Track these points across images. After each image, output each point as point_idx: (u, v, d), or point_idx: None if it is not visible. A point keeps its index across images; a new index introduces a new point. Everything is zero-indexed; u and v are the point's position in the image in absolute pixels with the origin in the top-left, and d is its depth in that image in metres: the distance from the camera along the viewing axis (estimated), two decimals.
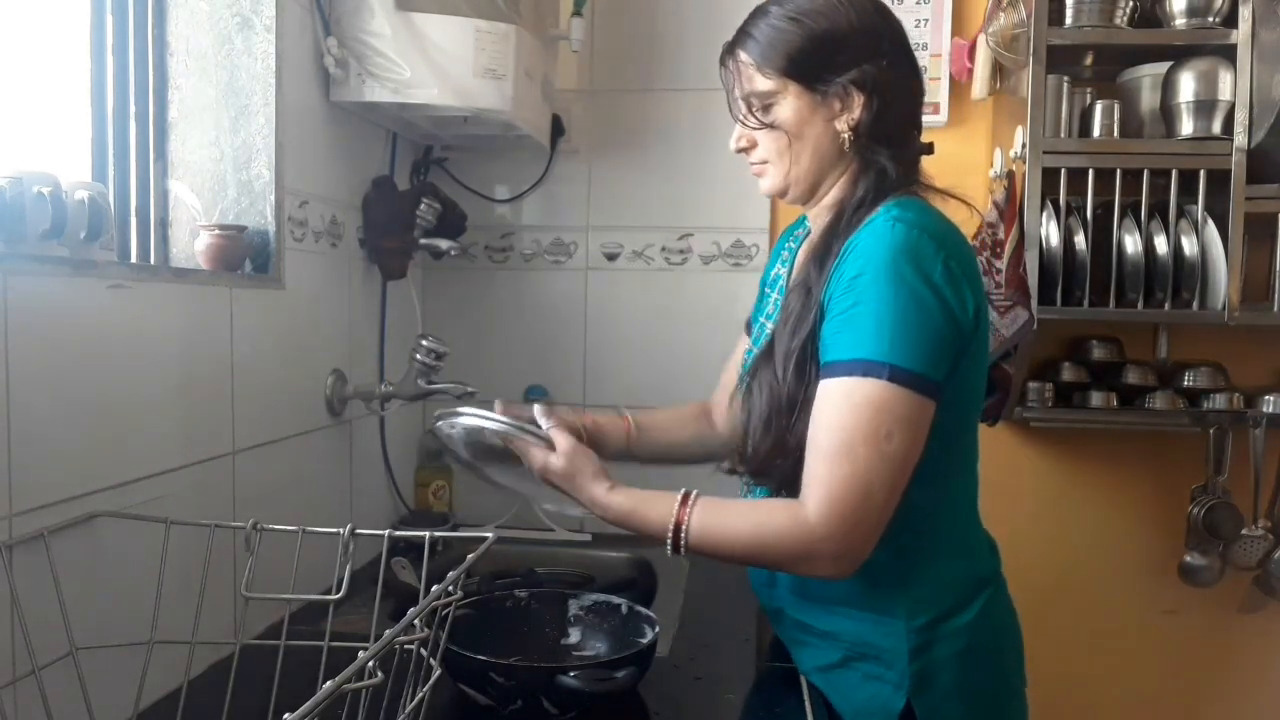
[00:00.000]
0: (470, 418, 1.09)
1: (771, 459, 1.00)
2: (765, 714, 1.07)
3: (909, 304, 0.93)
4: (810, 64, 1.02)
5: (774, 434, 1.00)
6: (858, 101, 1.02)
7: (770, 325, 1.13)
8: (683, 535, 0.98)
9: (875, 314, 0.93)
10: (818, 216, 1.09)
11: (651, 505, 1.00)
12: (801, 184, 1.07)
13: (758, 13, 1.06)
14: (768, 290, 1.23)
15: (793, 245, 1.22)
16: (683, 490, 1.00)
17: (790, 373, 0.99)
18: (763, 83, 1.04)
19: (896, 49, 1.04)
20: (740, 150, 1.11)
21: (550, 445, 1.06)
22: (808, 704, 1.07)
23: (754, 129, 1.07)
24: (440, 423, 1.12)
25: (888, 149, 1.04)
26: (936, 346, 0.94)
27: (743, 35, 1.07)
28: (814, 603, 1.08)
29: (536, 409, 1.10)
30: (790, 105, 1.03)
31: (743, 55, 1.06)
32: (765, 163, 1.08)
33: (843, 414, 0.93)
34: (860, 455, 0.91)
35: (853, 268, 0.96)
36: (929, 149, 1.11)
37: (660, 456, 1.32)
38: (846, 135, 1.03)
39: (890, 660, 1.02)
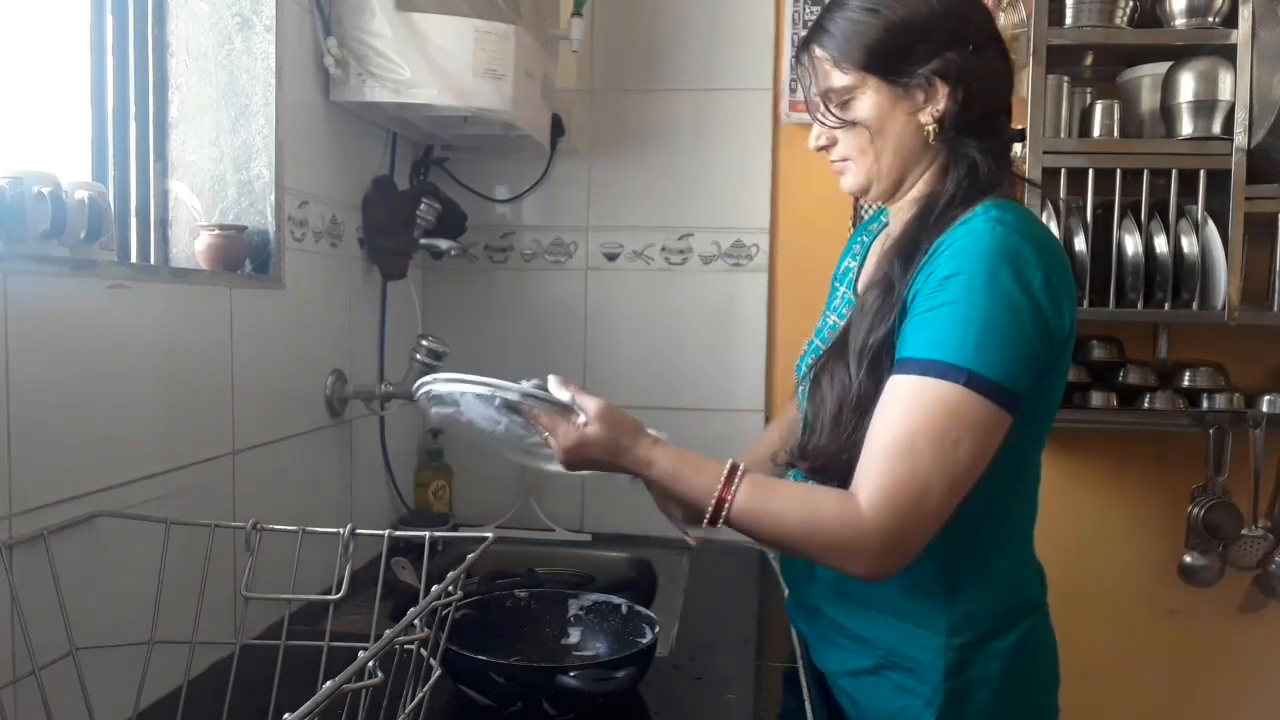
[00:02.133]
0: (472, 386, 0.98)
1: (836, 456, 0.96)
2: (765, 714, 1.07)
3: (1002, 310, 0.88)
4: (890, 56, 0.97)
5: (842, 432, 0.96)
6: (942, 92, 0.97)
7: (834, 318, 1.09)
8: (724, 511, 0.93)
9: (964, 316, 0.89)
10: (901, 211, 1.04)
11: (697, 473, 0.95)
12: (885, 181, 1.03)
13: (833, 5, 1.01)
14: (836, 284, 1.18)
15: (865, 239, 1.18)
16: (729, 463, 0.95)
17: (864, 370, 0.95)
18: (840, 78, 0.99)
19: (982, 34, 0.99)
20: (820, 148, 1.06)
21: (568, 414, 0.98)
22: (808, 704, 1.07)
23: (833, 127, 1.02)
24: (436, 388, 1.01)
25: (977, 140, 0.98)
26: (1024, 358, 0.90)
27: (818, 30, 1.01)
28: (855, 604, 1.05)
29: (552, 379, 1.01)
30: (870, 100, 0.99)
31: (818, 51, 1.01)
32: (846, 160, 1.04)
33: (910, 413, 0.88)
34: (924, 457, 0.87)
35: (947, 266, 0.91)
36: (1020, 135, 1.05)
37: None
38: (932, 128, 0.98)
39: (924, 674, 1.00)
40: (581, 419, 0.97)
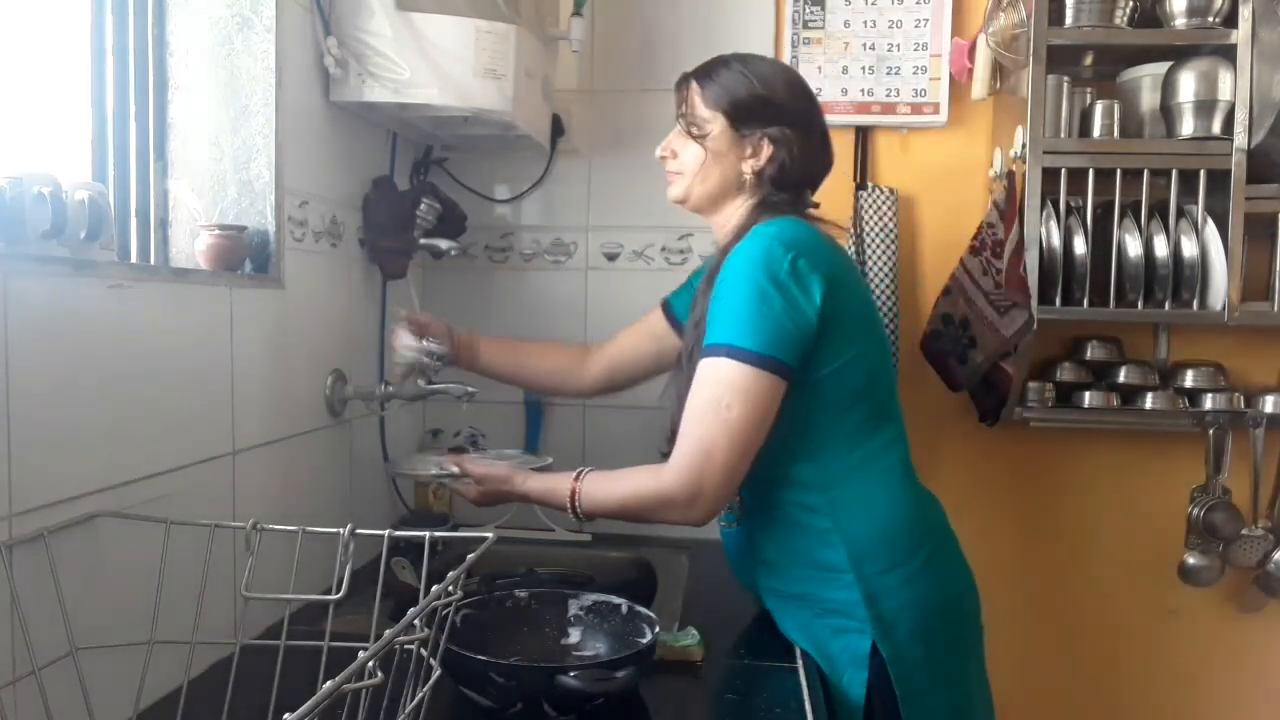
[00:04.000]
0: (419, 470, 1.41)
1: None
2: (765, 714, 1.07)
3: (751, 297, 1.11)
4: (743, 111, 1.24)
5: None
6: (767, 152, 1.24)
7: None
8: (577, 502, 1.21)
9: (725, 307, 1.14)
10: (724, 239, 1.27)
11: (556, 484, 1.24)
12: (703, 199, 1.29)
13: (719, 60, 1.28)
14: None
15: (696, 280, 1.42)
16: (578, 469, 1.23)
17: (690, 371, 1.18)
18: (703, 110, 1.26)
19: (815, 128, 1.27)
20: (661, 157, 1.32)
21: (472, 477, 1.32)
22: (808, 704, 1.07)
23: (684, 140, 1.28)
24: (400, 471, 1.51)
25: (783, 194, 1.25)
26: (776, 331, 1.11)
27: (702, 71, 1.29)
28: (780, 568, 1.25)
29: (449, 459, 1.37)
30: (717, 135, 1.25)
31: (695, 84, 1.28)
32: (679, 173, 1.30)
33: (697, 389, 1.14)
34: (706, 421, 1.12)
35: (722, 275, 1.16)
36: (815, 205, 1.31)
37: (509, 379, 1.61)
38: (749, 176, 1.25)
39: (850, 610, 1.17)
40: (470, 482, 1.32)
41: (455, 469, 1.32)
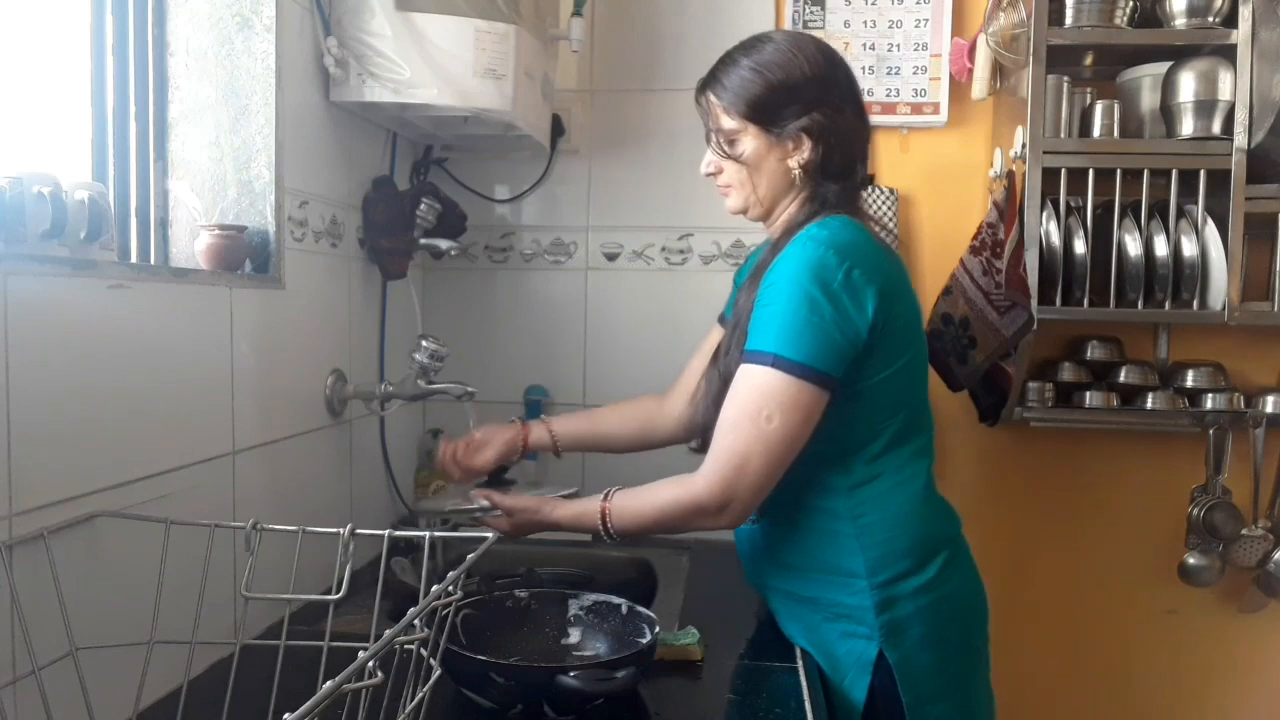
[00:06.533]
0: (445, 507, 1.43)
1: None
2: (765, 714, 1.07)
3: (801, 306, 1.09)
4: (767, 110, 1.18)
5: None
6: (807, 144, 1.18)
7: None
8: (608, 522, 1.19)
9: (772, 314, 1.11)
10: (774, 235, 1.25)
11: (585, 508, 1.23)
12: (759, 207, 1.24)
13: (727, 60, 1.22)
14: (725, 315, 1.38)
15: (746, 270, 1.36)
16: (605, 490, 1.22)
17: (728, 370, 1.16)
18: (728, 122, 1.21)
19: (844, 97, 1.21)
20: (709, 175, 1.27)
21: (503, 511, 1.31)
22: (808, 704, 1.07)
23: (721, 158, 1.23)
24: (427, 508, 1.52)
25: (834, 182, 1.20)
26: (824, 343, 1.09)
27: (713, 79, 1.23)
28: (793, 571, 1.23)
29: (473, 494, 1.35)
30: (750, 143, 1.20)
31: (712, 97, 1.22)
32: (729, 187, 1.25)
33: (736, 396, 1.12)
34: (743, 431, 1.10)
35: (769, 280, 1.13)
36: (869, 181, 1.28)
37: (593, 447, 1.58)
38: (798, 172, 1.20)
39: (860, 616, 1.17)
40: (501, 513, 1.30)
41: (485, 502, 1.32)
